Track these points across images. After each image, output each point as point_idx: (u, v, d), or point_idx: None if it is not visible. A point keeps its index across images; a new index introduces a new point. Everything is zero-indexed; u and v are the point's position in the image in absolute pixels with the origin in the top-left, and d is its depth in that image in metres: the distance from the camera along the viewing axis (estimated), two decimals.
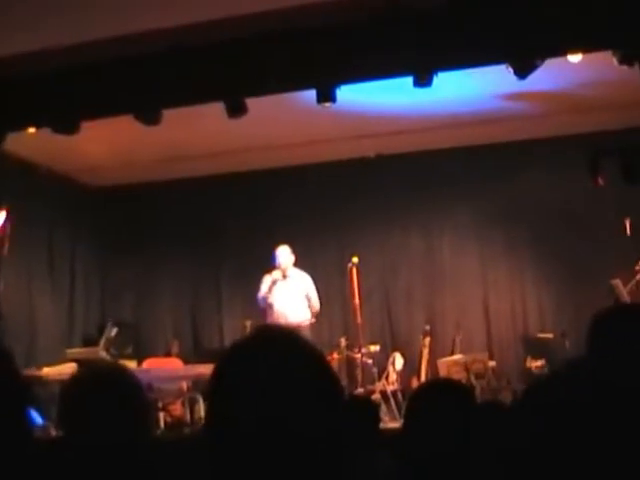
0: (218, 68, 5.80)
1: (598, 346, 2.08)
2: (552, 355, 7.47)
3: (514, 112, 8.01)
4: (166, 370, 8.00)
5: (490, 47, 5.42)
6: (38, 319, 8.71)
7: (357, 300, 8.13)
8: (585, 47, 5.59)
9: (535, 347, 8.12)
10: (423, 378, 8.09)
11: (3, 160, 7.50)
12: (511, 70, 5.50)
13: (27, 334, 8.39)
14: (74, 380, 1.94)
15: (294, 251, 8.16)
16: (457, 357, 7.96)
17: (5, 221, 7.54)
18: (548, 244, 8.75)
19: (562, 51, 5.65)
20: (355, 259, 8.20)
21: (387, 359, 8.34)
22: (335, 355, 8.14)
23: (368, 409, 3.88)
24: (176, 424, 7.42)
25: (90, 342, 8.56)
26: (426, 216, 9.32)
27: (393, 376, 8.14)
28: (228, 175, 9.41)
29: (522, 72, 5.50)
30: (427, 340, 8.47)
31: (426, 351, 8.37)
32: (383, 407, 7.26)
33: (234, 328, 9.08)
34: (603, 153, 7.44)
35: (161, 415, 7.27)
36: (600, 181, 7.43)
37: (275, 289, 8.03)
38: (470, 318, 9.04)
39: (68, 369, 6.90)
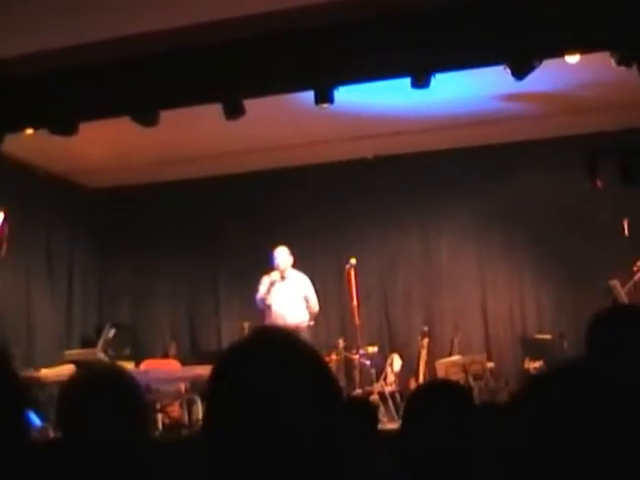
0: (218, 69, 5.79)
1: (597, 347, 2.08)
2: (550, 356, 7.45)
3: (512, 113, 8.02)
4: (164, 372, 7.99)
5: (488, 48, 5.43)
6: (36, 320, 8.70)
7: (355, 301, 8.13)
8: (583, 48, 5.60)
9: (533, 348, 8.11)
10: (421, 379, 8.09)
11: (1, 162, 7.50)
12: (509, 71, 5.51)
13: (25, 335, 8.39)
14: (72, 382, 1.93)
15: (292, 252, 8.14)
16: (455, 358, 7.95)
17: (3, 222, 7.53)
18: (546, 245, 8.75)
19: (560, 52, 5.66)
20: (353, 260, 8.20)
21: (385, 360, 8.33)
22: (333, 356, 8.12)
23: (366, 410, 3.88)
24: (174, 425, 7.41)
25: (88, 344, 8.55)
26: (424, 217, 9.32)
27: (391, 377, 8.13)
28: (226, 176, 9.40)
29: (520, 73, 5.51)
30: (425, 341, 8.46)
31: (424, 352, 8.36)
32: (381, 408, 7.26)
33: (232, 329, 9.07)
34: (601, 154, 7.45)
35: (159, 416, 7.26)
36: (598, 182, 7.43)
37: (273, 290, 8.01)
38: (468, 319, 9.04)
39: (66, 371, 6.88)
